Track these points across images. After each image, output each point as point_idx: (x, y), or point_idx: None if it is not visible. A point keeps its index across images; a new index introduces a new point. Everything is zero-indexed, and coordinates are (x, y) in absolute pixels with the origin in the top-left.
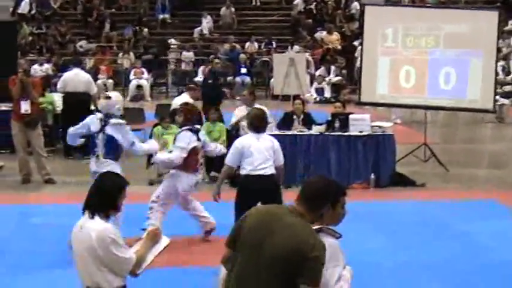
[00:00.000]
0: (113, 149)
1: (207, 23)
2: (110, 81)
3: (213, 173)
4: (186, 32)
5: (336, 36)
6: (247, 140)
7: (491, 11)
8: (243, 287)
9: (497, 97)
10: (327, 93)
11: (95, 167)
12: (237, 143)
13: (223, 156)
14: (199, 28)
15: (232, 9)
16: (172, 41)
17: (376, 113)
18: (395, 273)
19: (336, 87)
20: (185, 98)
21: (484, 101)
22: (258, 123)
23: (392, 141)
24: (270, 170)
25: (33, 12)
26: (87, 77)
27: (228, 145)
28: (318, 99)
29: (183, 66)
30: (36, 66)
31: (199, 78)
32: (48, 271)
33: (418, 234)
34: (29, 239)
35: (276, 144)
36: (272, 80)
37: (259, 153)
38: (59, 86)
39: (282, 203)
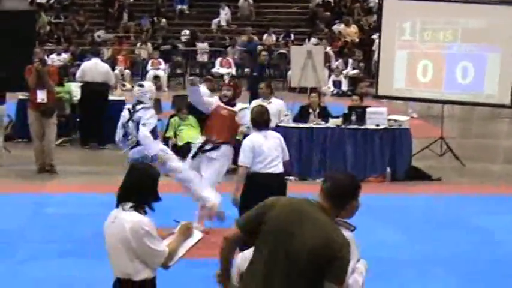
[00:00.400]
0: None
1: (225, 14)
2: (127, 71)
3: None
4: (204, 23)
5: (353, 29)
6: (256, 138)
7: (509, 6)
8: (270, 277)
9: None
10: (344, 86)
11: (139, 153)
12: (248, 141)
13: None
14: (217, 19)
15: (251, 1)
16: (186, 31)
17: (393, 107)
18: (410, 267)
19: (353, 80)
20: (202, 89)
21: (501, 96)
22: (260, 120)
23: (408, 135)
24: (279, 169)
25: (51, 1)
26: (106, 67)
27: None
28: (335, 92)
29: (199, 57)
30: (53, 56)
31: (216, 69)
32: (62, 260)
33: (433, 228)
34: (44, 229)
35: (282, 140)
36: (289, 72)
37: (269, 151)
38: (77, 75)
39: None
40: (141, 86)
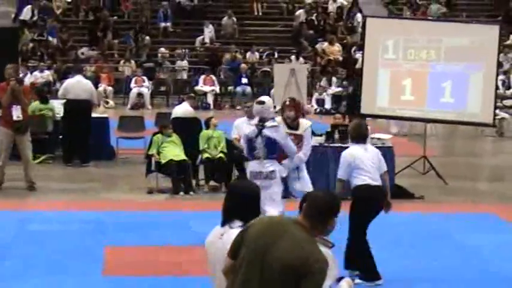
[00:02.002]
0: (273, 149)
1: (209, 32)
2: (110, 88)
3: (212, 183)
4: (188, 41)
5: (337, 47)
6: (356, 151)
7: (492, 25)
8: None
9: (497, 111)
10: (328, 104)
11: (258, 168)
12: (347, 155)
13: (224, 165)
14: (201, 37)
15: (234, 18)
16: (162, 49)
17: (376, 125)
18: (394, 284)
19: (336, 98)
20: (185, 106)
21: (484, 114)
22: (359, 134)
23: (391, 153)
24: (380, 181)
25: (35, 18)
26: (89, 84)
27: (228, 153)
28: (318, 110)
29: (178, 75)
30: (36, 73)
31: (200, 87)
32: (47, 277)
33: (417, 245)
34: (28, 246)
35: (379, 153)
36: (273, 90)
37: (369, 163)
38: (60, 92)
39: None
40: (262, 102)
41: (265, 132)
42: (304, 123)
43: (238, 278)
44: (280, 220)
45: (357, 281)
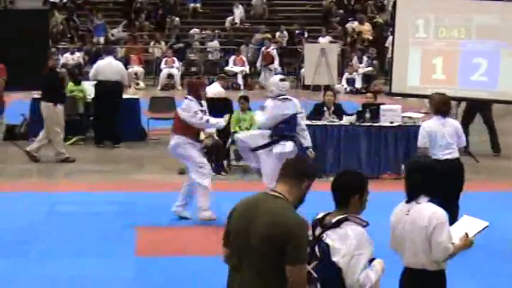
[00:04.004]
0: None
1: (239, 12)
2: (141, 69)
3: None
4: (217, 22)
5: (367, 26)
6: (434, 124)
7: None
8: (236, 274)
9: None
10: (358, 84)
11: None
12: (425, 125)
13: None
14: (231, 17)
15: None
16: (195, 30)
17: (407, 104)
18: None
19: (367, 78)
20: (217, 87)
21: None
22: (442, 108)
23: None
24: (455, 154)
25: (65, 0)
26: (120, 65)
27: None
28: (348, 89)
29: (209, 56)
30: (67, 55)
31: (230, 67)
32: (76, 259)
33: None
34: (59, 227)
35: (460, 128)
36: (302, 70)
37: (443, 138)
38: (90, 74)
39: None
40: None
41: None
42: None
43: (230, 265)
44: (255, 197)
45: None
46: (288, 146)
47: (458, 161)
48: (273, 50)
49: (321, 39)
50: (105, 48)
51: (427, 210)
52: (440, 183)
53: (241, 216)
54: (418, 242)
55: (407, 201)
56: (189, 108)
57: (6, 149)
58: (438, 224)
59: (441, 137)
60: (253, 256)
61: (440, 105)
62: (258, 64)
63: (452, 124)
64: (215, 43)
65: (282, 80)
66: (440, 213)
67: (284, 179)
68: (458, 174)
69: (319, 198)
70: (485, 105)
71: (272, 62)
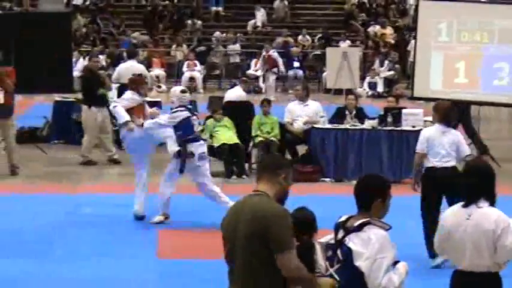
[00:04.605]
0: None
1: (260, 15)
2: (163, 72)
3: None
4: (239, 25)
5: (389, 30)
6: (434, 131)
7: None
8: (234, 274)
9: None
10: (380, 88)
11: None
12: (425, 132)
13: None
14: (253, 21)
15: (286, 2)
16: (217, 33)
17: (429, 108)
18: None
19: (388, 82)
20: (238, 90)
21: None
22: (447, 117)
23: None
24: (452, 162)
25: (87, 3)
26: (142, 68)
27: (280, 139)
28: (370, 93)
29: (231, 59)
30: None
31: (252, 71)
32: (102, 259)
33: None
34: (82, 228)
35: (460, 138)
36: (324, 73)
37: (442, 147)
38: (113, 77)
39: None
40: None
41: None
42: None
43: (228, 270)
44: (241, 200)
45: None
46: None
47: (455, 169)
48: (273, 53)
49: (340, 44)
50: (129, 51)
51: (493, 214)
52: (494, 187)
53: (230, 221)
54: (483, 245)
55: (465, 206)
56: None
57: (19, 151)
58: (505, 227)
59: (439, 144)
60: (242, 257)
61: (446, 114)
62: (261, 69)
63: (454, 134)
64: (237, 46)
65: (182, 91)
66: (504, 216)
67: (261, 178)
68: (452, 183)
69: (342, 201)
70: (463, 114)
71: (275, 66)
